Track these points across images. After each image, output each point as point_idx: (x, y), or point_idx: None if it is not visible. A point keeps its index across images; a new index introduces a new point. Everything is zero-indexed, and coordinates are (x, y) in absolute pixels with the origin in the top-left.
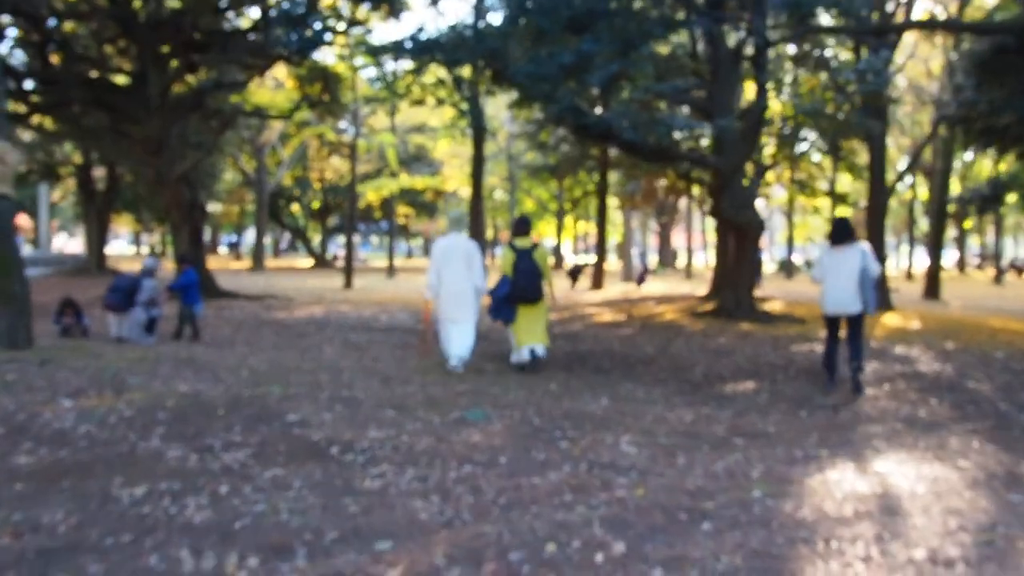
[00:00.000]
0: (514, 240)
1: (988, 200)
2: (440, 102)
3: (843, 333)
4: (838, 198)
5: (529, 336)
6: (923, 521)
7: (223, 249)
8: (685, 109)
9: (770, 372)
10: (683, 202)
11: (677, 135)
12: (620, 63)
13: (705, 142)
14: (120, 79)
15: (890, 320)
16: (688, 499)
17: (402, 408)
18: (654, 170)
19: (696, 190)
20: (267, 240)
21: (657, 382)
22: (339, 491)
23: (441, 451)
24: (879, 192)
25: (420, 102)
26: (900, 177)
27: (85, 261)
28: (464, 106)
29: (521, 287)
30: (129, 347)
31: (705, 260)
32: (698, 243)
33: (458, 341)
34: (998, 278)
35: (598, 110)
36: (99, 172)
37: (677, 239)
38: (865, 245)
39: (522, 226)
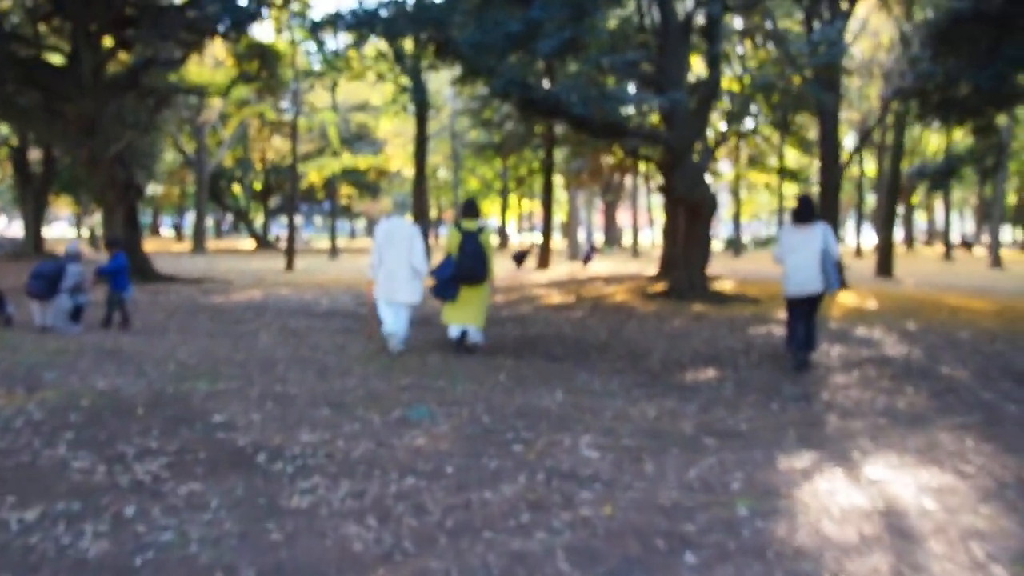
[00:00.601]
0: (461, 221)
1: (943, 175)
2: (381, 77)
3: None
4: (789, 174)
5: (457, 315)
6: (943, 548)
7: (166, 231)
8: (631, 84)
9: (731, 358)
10: (628, 180)
11: (625, 111)
12: (572, 30)
13: (654, 118)
14: (55, 58)
15: (846, 299)
16: (664, 519)
17: (339, 406)
18: (601, 147)
19: (644, 167)
20: (209, 222)
21: (614, 371)
22: (262, 512)
23: (381, 459)
24: (832, 168)
25: (360, 77)
26: (855, 152)
27: (22, 245)
28: (405, 81)
29: (466, 268)
30: (52, 337)
31: (651, 239)
32: (643, 221)
33: (396, 322)
34: (947, 254)
35: (545, 85)
36: (36, 154)
37: (622, 217)
38: (825, 224)
39: (470, 209)
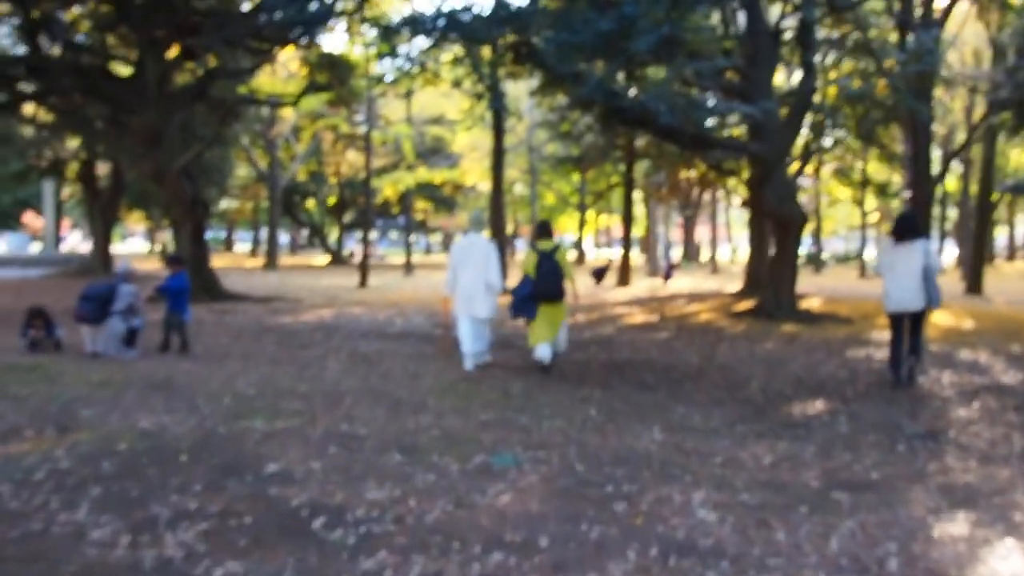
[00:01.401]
0: (536, 243)
1: None
2: (457, 84)
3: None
4: (875, 188)
5: (541, 334)
6: None
7: (241, 247)
8: (713, 95)
9: (836, 387)
10: (706, 195)
11: (708, 122)
12: (670, 27)
13: (735, 131)
14: (121, 69)
15: (940, 319)
16: None
17: (412, 450)
18: (683, 161)
19: (727, 182)
20: (284, 238)
21: (712, 403)
22: None
23: (460, 525)
24: (923, 183)
25: (434, 84)
26: (946, 165)
27: (89, 261)
28: (482, 89)
29: (543, 287)
30: (98, 365)
31: (730, 254)
32: (721, 237)
33: (473, 338)
34: None
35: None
36: (104, 168)
37: (699, 233)
38: (926, 240)
39: (544, 230)
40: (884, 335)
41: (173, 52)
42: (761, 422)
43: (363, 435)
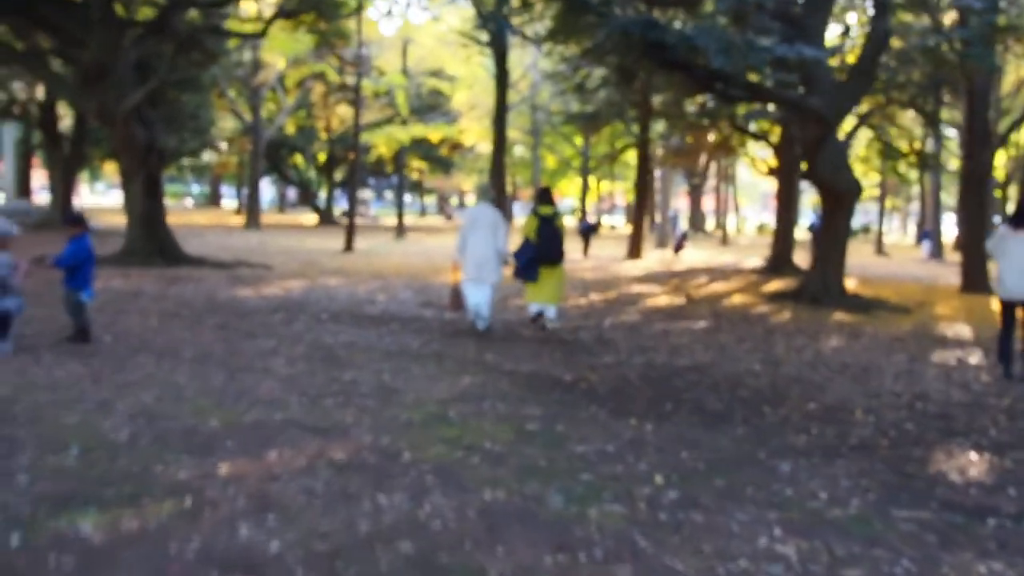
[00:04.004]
0: (538, 207)
1: None
2: None
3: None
4: (922, 160)
5: (539, 294)
6: None
7: (228, 203)
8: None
9: (966, 418)
10: (713, 163)
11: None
12: None
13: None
14: None
15: None
16: None
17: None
18: (706, 122)
19: (749, 147)
20: (271, 195)
21: (822, 452)
22: None
23: None
24: (980, 154)
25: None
26: (1009, 132)
27: (48, 213)
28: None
29: (545, 251)
30: None
31: (736, 225)
32: (728, 207)
33: (481, 300)
34: None
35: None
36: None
37: (704, 203)
38: None
39: (546, 196)
40: (954, 329)
41: None
42: (911, 491)
43: (275, 555)
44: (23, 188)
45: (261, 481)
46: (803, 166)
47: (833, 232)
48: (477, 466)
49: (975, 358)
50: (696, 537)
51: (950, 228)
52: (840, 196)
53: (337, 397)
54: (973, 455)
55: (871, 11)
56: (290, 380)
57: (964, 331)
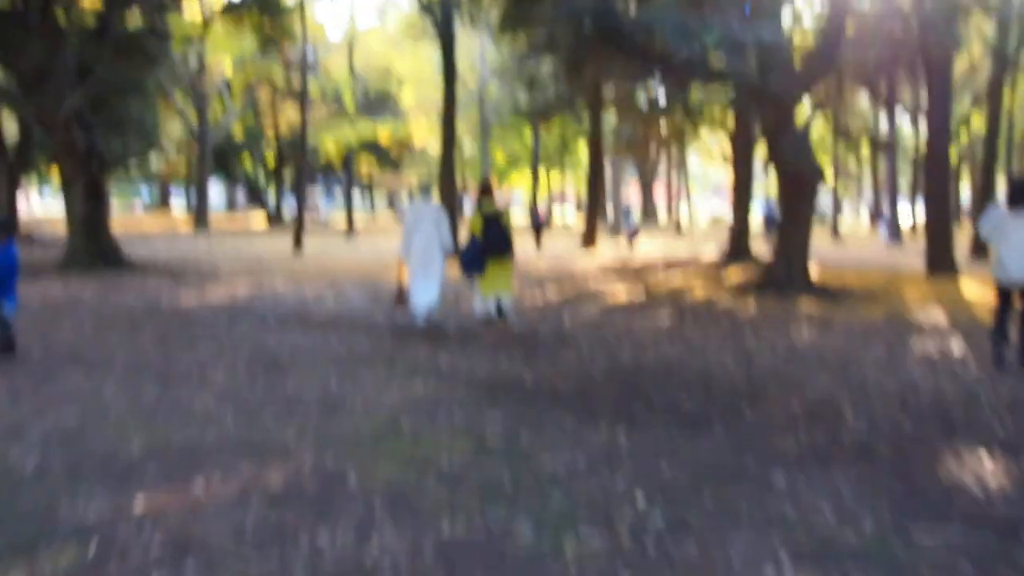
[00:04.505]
0: (482, 204)
1: None
2: None
3: (1017, 304)
4: (879, 143)
5: (494, 285)
6: None
7: (178, 205)
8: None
9: (963, 414)
10: (663, 152)
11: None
12: None
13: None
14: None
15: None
16: None
17: None
18: (656, 111)
19: (700, 135)
20: (221, 196)
21: (815, 458)
22: None
23: None
24: (940, 134)
25: None
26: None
27: None
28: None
29: (492, 246)
30: None
31: (689, 215)
32: (680, 197)
33: (426, 294)
34: None
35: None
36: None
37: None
38: None
39: (486, 189)
40: (928, 315)
41: None
42: (928, 511)
43: None
44: None
45: (183, 518)
46: (762, 151)
47: (795, 219)
48: (433, 489)
49: (957, 347)
50: (693, 573)
51: (905, 212)
52: (802, 181)
53: (278, 409)
54: (985, 458)
55: None
56: (228, 391)
57: (939, 317)
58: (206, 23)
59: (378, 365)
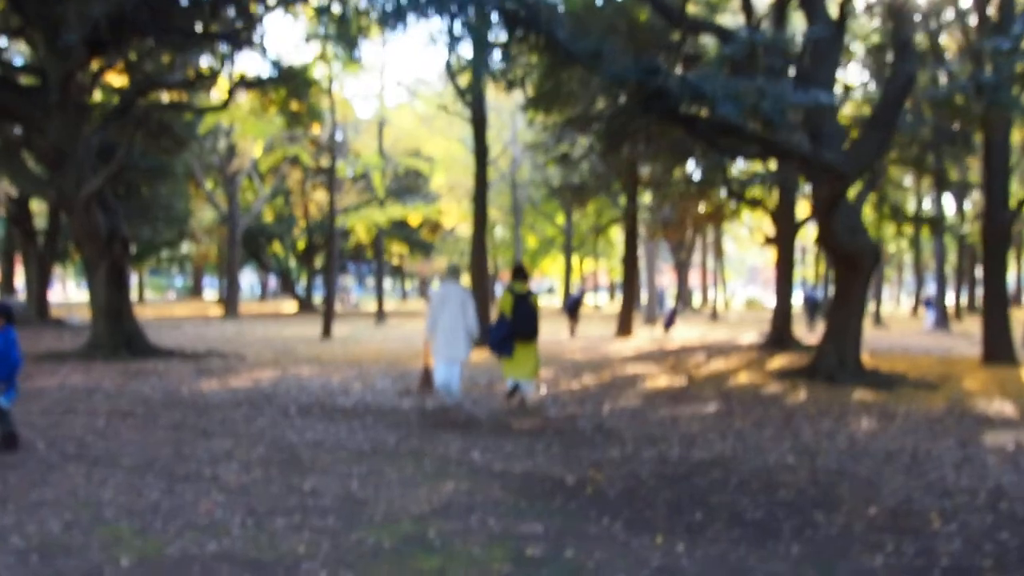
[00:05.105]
0: (513, 284)
1: None
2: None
3: None
4: (932, 224)
5: (515, 370)
6: None
7: (211, 294)
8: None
9: None
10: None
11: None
12: None
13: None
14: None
15: None
16: None
17: None
18: (696, 191)
19: (742, 217)
20: (253, 284)
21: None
22: None
23: None
24: (998, 215)
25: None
26: None
27: (24, 310)
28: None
29: (521, 327)
30: None
31: (724, 300)
32: (715, 282)
33: (451, 377)
34: None
35: None
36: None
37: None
38: None
39: (520, 272)
40: (994, 406)
41: (94, 64)
42: None
43: None
44: (7, 285)
45: None
46: (802, 231)
47: (848, 301)
48: None
49: None
50: None
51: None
52: (856, 261)
53: (291, 515)
54: None
55: (890, 56)
56: (239, 492)
57: (1006, 408)
58: (231, 97)
59: (405, 461)
